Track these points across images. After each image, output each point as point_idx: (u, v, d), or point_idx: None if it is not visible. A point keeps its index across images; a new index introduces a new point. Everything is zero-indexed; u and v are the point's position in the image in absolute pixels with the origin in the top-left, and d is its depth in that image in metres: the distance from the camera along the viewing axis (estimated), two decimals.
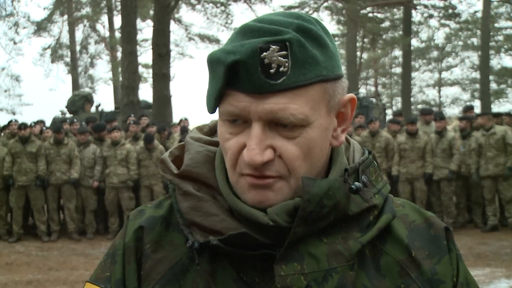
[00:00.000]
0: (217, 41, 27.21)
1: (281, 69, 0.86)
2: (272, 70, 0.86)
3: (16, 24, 28.22)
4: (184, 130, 11.68)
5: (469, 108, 12.14)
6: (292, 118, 0.88)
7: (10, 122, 11.46)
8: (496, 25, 31.17)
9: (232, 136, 0.93)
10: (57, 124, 11.84)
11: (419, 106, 41.35)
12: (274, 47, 0.85)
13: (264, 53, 0.85)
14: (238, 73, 0.86)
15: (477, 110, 21.21)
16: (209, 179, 1.01)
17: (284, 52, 0.86)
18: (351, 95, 0.99)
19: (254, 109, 0.88)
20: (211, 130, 1.14)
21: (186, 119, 13.08)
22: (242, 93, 0.88)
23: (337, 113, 0.98)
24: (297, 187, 0.93)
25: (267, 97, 0.87)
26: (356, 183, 0.96)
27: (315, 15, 24.76)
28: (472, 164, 9.92)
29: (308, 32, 0.89)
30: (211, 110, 0.93)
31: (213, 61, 0.89)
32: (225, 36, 27.13)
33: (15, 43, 28.95)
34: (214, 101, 0.91)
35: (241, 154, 0.92)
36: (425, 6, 24.52)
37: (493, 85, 34.53)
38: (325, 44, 0.91)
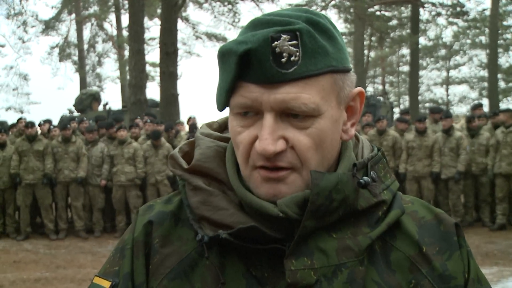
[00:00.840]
0: (224, 39, 27.20)
1: (292, 58, 0.87)
2: (283, 59, 0.86)
3: (24, 23, 28.35)
4: (193, 127, 11.70)
5: (477, 106, 12.08)
6: (304, 108, 0.88)
7: (19, 120, 11.52)
8: (504, 23, 31.01)
9: (244, 129, 0.93)
10: (65, 122, 11.87)
11: (427, 105, 41.24)
12: (285, 36, 0.86)
13: (276, 42, 0.86)
14: (249, 63, 0.87)
15: (486, 108, 21.14)
16: (219, 174, 1.01)
17: (294, 41, 0.86)
18: (360, 88, 0.99)
19: (266, 99, 0.88)
20: (220, 127, 1.14)
21: (194, 117, 13.09)
22: (254, 83, 0.88)
23: (347, 106, 0.98)
24: (309, 180, 0.93)
25: (279, 86, 0.88)
26: (365, 177, 0.96)
27: (322, 13, 24.73)
28: (489, 160, 9.86)
29: (317, 24, 0.91)
30: (222, 106, 0.94)
31: (224, 53, 0.90)
32: (232, 35, 27.13)
33: (23, 42, 29.09)
34: (226, 95, 0.91)
35: (253, 146, 0.92)
36: (433, 4, 24.43)
37: (501, 84, 34.38)
38: (334, 36, 0.93)
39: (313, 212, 0.91)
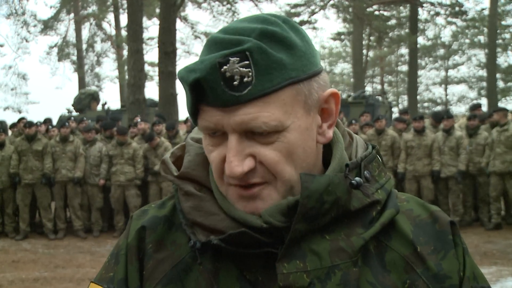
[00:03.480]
0: None
1: (245, 79, 0.85)
2: (235, 82, 0.85)
3: (25, 23, 28.34)
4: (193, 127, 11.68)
5: (476, 107, 12.09)
6: (264, 127, 0.87)
7: (20, 119, 11.49)
8: (503, 22, 31.06)
9: (214, 148, 0.93)
10: (63, 121, 11.87)
11: (426, 104, 41.30)
12: (233, 59, 0.84)
13: (224, 67, 0.84)
14: (203, 90, 0.86)
15: (485, 108, 21.15)
16: (208, 182, 1.02)
17: (246, 61, 0.84)
18: (332, 89, 0.97)
19: (226, 122, 0.88)
20: None
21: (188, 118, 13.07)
22: (213, 107, 0.88)
23: (320, 109, 0.96)
24: (285, 191, 0.93)
25: (237, 109, 0.87)
26: (357, 178, 0.95)
27: (321, 13, 24.77)
28: (485, 158, 9.88)
29: (271, 35, 0.88)
30: (195, 124, 0.94)
31: (180, 80, 0.90)
32: None
33: (27, 41, 29.07)
34: (192, 117, 0.92)
35: (224, 165, 0.92)
36: (432, 4, 24.45)
37: (500, 83, 34.42)
38: (292, 44, 0.89)
39: (303, 215, 0.90)
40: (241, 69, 0.84)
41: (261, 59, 0.85)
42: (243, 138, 0.89)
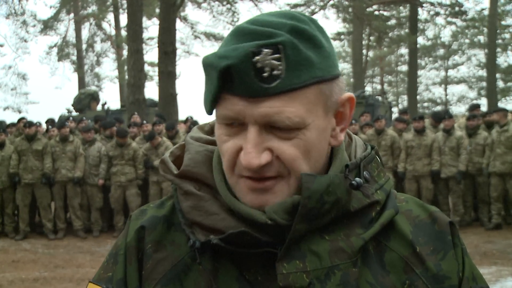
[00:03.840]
0: (222, 39, 27.11)
1: (275, 72, 0.85)
2: (265, 74, 0.84)
3: (24, 23, 28.35)
4: (192, 125, 11.70)
5: (475, 107, 12.10)
6: (288, 122, 0.87)
7: (20, 119, 11.48)
8: (503, 22, 31.06)
9: (229, 138, 0.93)
10: (62, 121, 11.87)
11: (425, 104, 41.29)
12: (266, 50, 0.84)
13: (257, 57, 0.84)
14: (231, 78, 0.85)
15: (484, 108, 21.14)
16: (209, 179, 1.01)
17: (277, 55, 0.84)
18: (349, 94, 0.97)
19: (249, 113, 0.87)
20: (212, 128, 1.13)
21: (191, 118, 13.08)
22: (237, 96, 0.87)
23: (336, 112, 0.97)
24: (296, 187, 0.92)
25: (262, 100, 0.86)
26: (357, 178, 0.95)
27: (321, 13, 24.76)
28: (485, 159, 9.89)
29: (301, 33, 0.88)
30: (208, 113, 0.93)
31: (206, 66, 0.89)
32: None
33: (25, 41, 29.08)
34: (210, 105, 0.91)
35: (238, 156, 0.92)
36: (432, 4, 24.44)
37: (500, 83, 34.42)
38: (320, 44, 0.90)
39: (304, 216, 0.91)
40: (273, 61, 0.84)
41: (293, 54, 0.86)
42: (263, 131, 0.89)
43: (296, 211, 0.91)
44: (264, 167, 0.90)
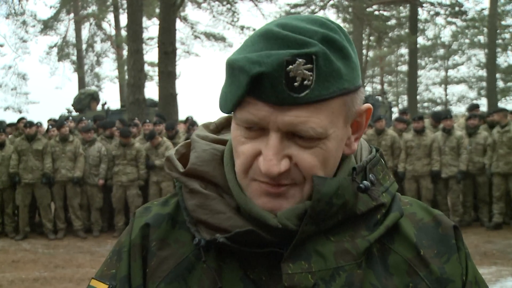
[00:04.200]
0: (223, 39, 27.23)
1: (305, 82, 0.84)
2: (296, 84, 0.84)
3: (24, 23, 28.35)
4: (192, 125, 11.71)
5: (474, 107, 12.10)
6: (312, 132, 0.87)
7: (20, 119, 11.47)
8: (503, 22, 31.05)
9: (247, 141, 0.92)
10: (62, 121, 11.87)
11: (425, 104, 41.29)
12: (300, 60, 0.83)
13: (290, 66, 0.83)
14: (261, 84, 0.85)
15: (484, 108, 21.13)
16: (215, 177, 1.01)
17: (309, 65, 0.84)
18: (368, 105, 0.98)
19: (273, 120, 0.87)
20: (217, 127, 1.14)
21: (191, 118, 13.08)
22: (263, 102, 0.86)
23: (352, 122, 0.97)
24: (309, 193, 0.93)
25: (289, 109, 0.86)
26: (365, 182, 0.95)
27: (321, 13, 24.74)
28: (486, 159, 9.89)
29: (333, 42, 0.87)
30: (226, 112, 0.93)
31: (234, 68, 0.87)
32: (231, 34, 27.10)
33: (25, 41, 29.07)
34: (232, 107, 0.90)
35: (255, 159, 0.92)
36: (432, 4, 24.45)
37: (500, 83, 34.42)
38: (349, 55, 0.89)
39: (312, 218, 0.91)
40: (305, 71, 0.84)
41: (324, 65, 0.85)
42: (284, 138, 0.89)
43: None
44: (282, 174, 0.90)
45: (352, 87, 0.90)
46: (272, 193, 0.92)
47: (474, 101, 31.40)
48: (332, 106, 0.88)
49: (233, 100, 0.88)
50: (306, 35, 0.86)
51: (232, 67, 0.88)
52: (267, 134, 0.89)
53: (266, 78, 0.83)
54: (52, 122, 12.33)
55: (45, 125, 12.07)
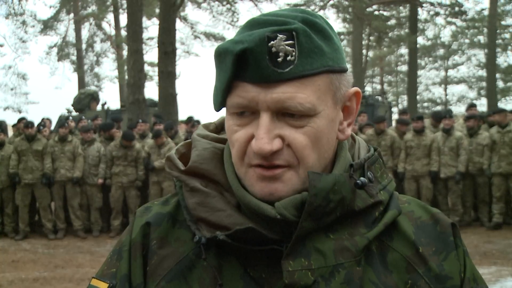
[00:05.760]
0: (222, 39, 27.21)
1: (288, 58, 0.87)
2: (279, 59, 0.87)
3: (23, 23, 28.34)
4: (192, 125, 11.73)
5: (471, 106, 12.09)
6: (300, 107, 0.89)
7: (20, 119, 11.46)
8: (503, 22, 31.05)
9: (240, 128, 0.94)
10: (62, 121, 11.87)
11: (425, 104, 41.28)
12: (281, 36, 0.87)
13: (272, 42, 0.87)
14: (246, 63, 0.88)
15: (484, 108, 21.13)
16: (216, 175, 1.02)
17: (291, 41, 0.87)
18: (356, 88, 1.00)
19: (262, 99, 0.89)
20: (217, 127, 1.15)
21: (193, 118, 13.08)
22: (250, 83, 0.89)
23: (343, 106, 0.99)
24: (306, 178, 0.93)
25: (275, 86, 0.89)
26: (362, 178, 0.97)
27: (321, 12, 24.73)
28: (485, 159, 9.89)
29: (313, 24, 0.91)
30: (219, 106, 0.95)
31: (221, 52, 0.91)
32: (231, 34, 27.13)
33: (24, 41, 29.06)
34: (222, 94, 0.92)
35: (249, 145, 0.93)
36: (431, 4, 24.45)
37: (500, 83, 34.41)
38: (330, 36, 0.93)
39: (310, 213, 0.91)
40: (287, 47, 0.87)
41: (305, 41, 0.89)
42: (275, 118, 0.91)
43: (303, 208, 0.92)
44: (274, 154, 0.91)
45: (337, 66, 0.93)
46: (268, 177, 0.93)
47: (474, 101, 31.43)
48: (318, 83, 0.91)
49: (222, 87, 0.91)
50: (287, 17, 0.91)
51: (219, 53, 0.91)
52: (258, 117, 0.91)
53: (250, 55, 0.87)
54: (46, 120, 12.28)
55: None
